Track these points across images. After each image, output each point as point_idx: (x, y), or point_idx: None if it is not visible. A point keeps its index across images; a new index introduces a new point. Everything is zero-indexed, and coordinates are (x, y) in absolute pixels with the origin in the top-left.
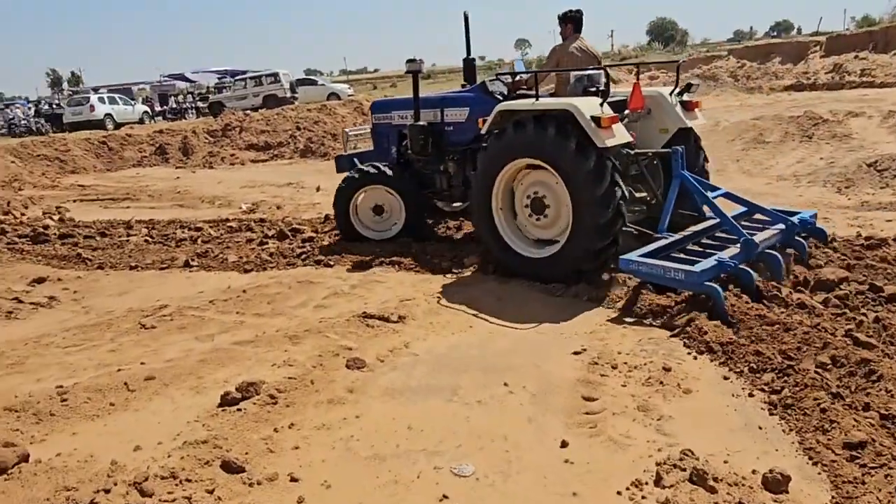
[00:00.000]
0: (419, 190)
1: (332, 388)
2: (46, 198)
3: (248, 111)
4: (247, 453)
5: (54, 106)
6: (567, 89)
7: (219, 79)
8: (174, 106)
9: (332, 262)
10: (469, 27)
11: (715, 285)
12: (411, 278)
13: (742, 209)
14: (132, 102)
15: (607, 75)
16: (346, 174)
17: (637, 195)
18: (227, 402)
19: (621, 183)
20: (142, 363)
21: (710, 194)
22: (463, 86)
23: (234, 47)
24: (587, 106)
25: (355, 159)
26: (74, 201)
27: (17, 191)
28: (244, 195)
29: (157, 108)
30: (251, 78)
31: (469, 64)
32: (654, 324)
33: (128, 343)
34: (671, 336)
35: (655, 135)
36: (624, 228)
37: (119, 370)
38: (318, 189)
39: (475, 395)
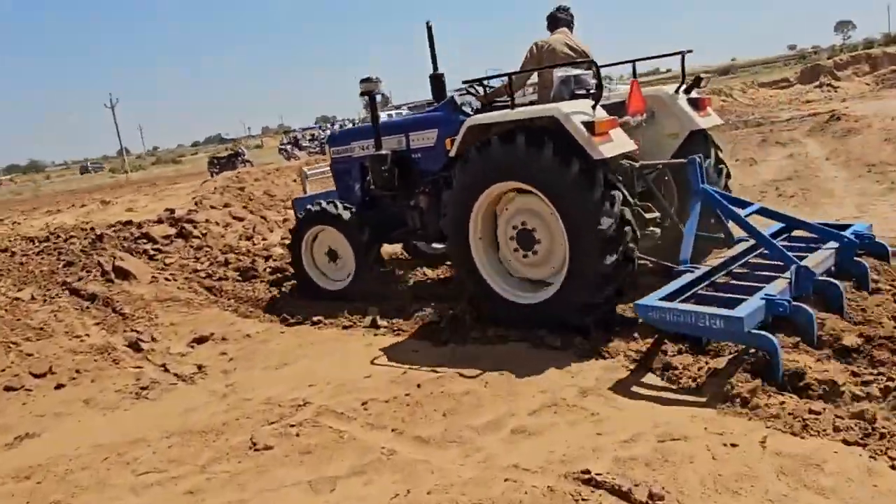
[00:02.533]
0: (372, 232)
1: None
2: None
3: None
4: None
5: None
6: (552, 94)
7: None
8: None
9: (558, 342)
10: (433, 38)
11: (767, 334)
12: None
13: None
14: None
15: (598, 74)
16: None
17: (651, 215)
18: None
19: (625, 193)
20: None
21: (741, 211)
22: (430, 103)
23: None
24: (576, 110)
25: (317, 201)
26: None
27: None
28: None
29: None
30: None
31: (437, 80)
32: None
33: (217, 481)
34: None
35: (663, 142)
36: (638, 256)
37: None
38: None
39: None
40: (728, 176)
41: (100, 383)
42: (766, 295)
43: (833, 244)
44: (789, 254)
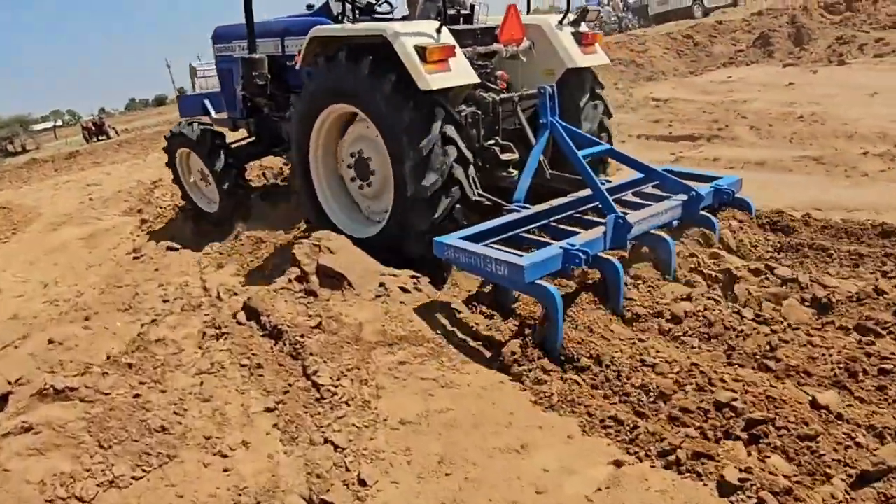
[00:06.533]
0: (228, 155)
1: None
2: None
3: None
4: None
5: None
6: (417, 11)
7: None
8: None
9: None
10: None
11: (550, 287)
12: None
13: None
14: None
15: None
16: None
17: (508, 156)
18: None
19: (457, 138)
20: None
21: (585, 151)
22: (309, 7)
23: None
24: (413, 32)
25: (206, 101)
26: (643, 137)
27: None
28: None
29: None
30: None
31: None
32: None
33: None
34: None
35: (539, 78)
36: (475, 198)
37: None
38: None
39: None
40: (607, 114)
41: None
42: (567, 244)
43: (681, 197)
44: (613, 204)
